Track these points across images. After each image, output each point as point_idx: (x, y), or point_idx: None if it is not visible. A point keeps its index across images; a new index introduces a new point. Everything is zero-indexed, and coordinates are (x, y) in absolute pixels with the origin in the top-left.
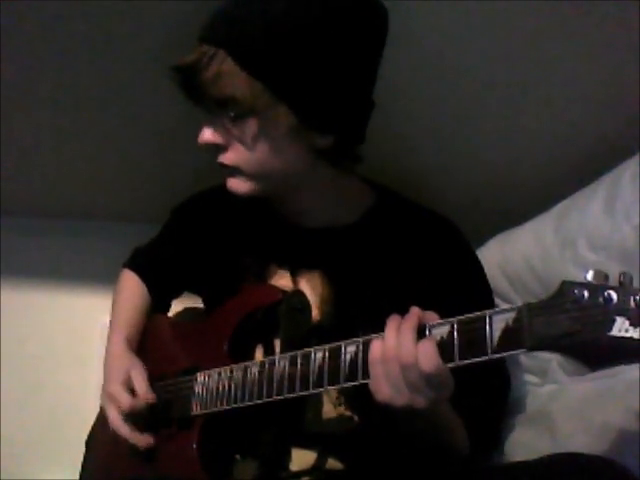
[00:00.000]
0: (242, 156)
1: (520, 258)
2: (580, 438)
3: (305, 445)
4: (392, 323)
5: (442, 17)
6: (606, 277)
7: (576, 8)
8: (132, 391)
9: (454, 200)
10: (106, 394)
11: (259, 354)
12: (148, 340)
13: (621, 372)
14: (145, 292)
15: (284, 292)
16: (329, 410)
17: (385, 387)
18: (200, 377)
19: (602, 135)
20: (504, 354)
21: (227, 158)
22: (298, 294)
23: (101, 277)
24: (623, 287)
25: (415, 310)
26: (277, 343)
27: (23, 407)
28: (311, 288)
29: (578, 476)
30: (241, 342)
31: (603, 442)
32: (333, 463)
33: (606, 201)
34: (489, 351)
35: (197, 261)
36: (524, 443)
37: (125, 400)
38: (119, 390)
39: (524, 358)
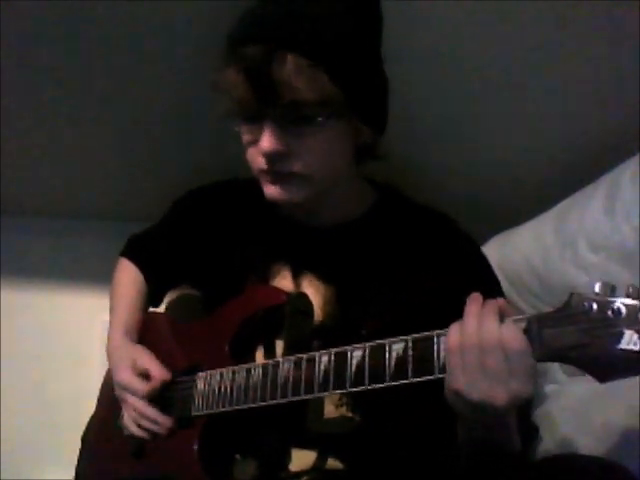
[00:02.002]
0: (305, 162)
1: (520, 258)
2: (580, 439)
3: (305, 445)
4: (472, 308)
5: (442, 15)
6: (613, 288)
7: (576, 8)
8: (144, 376)
9: (454, 200)
10: (118, 385)
11: (260, 355)
12: (149, 339)
13: None
14: (142, 282)
15: (288, 294)
16: (331, 411)
17: (461, 378)
18: (201, 377)
19: (602, 135)
20: None
21: (290, 165)
22: (301, 296)
23: (101, 276)
24: (631, 300)
25: (494, 300)
26: (278, 344)
27: (23, 407)
28: (313, 289)
29: (578, 477)
30: (243, 343)
31: (603, 443)
32: (333, 463)
33: (606, 201)
34: None
35: (195, 255)
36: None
37: (141, 387)
38: (132, 379)
39: None
